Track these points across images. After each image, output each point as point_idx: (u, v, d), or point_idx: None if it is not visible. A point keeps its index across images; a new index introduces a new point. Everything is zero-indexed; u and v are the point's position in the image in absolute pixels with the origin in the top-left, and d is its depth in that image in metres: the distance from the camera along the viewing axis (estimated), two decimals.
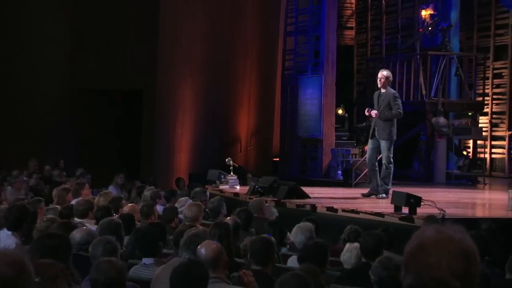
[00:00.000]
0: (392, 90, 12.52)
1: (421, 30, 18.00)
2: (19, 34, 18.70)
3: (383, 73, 12.42)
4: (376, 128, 12.21)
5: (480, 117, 17.61)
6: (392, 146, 12.31)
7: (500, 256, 6.79)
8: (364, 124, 16.73)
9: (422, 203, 9.96)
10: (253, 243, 6.05)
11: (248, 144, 20.18)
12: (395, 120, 12.23)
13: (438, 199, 10.89)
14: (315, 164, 18.34)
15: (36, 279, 3.02)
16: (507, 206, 11.04)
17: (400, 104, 12.24)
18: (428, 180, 16.50)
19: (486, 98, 17.83)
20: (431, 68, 17.12)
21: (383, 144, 12.16)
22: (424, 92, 16.99)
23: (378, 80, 12.34)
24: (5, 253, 2.79)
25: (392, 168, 12.29)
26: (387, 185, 12.21)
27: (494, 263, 6.64)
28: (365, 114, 12.67)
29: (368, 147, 12.82)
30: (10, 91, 18.54)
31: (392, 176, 12.52)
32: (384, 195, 12.08)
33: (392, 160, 12.23)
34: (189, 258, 5.22)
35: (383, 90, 12.26)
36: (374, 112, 12.12)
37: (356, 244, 6.68)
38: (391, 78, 12.57)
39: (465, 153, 17.64)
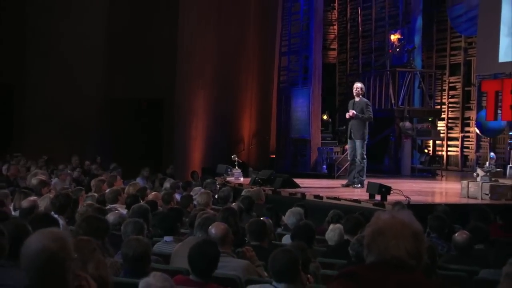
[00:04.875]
0: (365, 99, 12.47)
1: (390, 51, 17.98)
2: (65, 51, 18.76)
3: (357, 85, 12.40)
4: (351, 130, 12.21)
5: (438, 122, 17.60)
6: (365, 145, 12.29)
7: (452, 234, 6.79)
8: (344, 127, 16.72)
9: (391, 192, 9.97)
10: (250, 225, 6.05)
11: (250, 143, 20.17)
12: (367, 123, 12.20)
13: (405, 189, 10.90)
14: (304, 160, 18.34)
15: (76, 255, 3.04)
16: (460, 194, 11.08)
17: (371, 111, 12.22)
18: (396, 173, 16.50)
19: (443, 106, 17.83)
20: (398, 82, 17.11)
21: (357, 143, 12.15)
22: (393, 101, 16.99)
23: (355, 90, 12.31)
24: (51, 231, 2.80)
25: (366, 163, 12.26)
26: (362, 177, 12.20)
27: (449, 239, 6.63)
28: (345, 119, 12.64)
29: (348, 146, 12.82)
30: (57, 100, 18.58)
31: (367, 170, 12.51)
32: (359, 185, 12.07)
33: (365, 156, 12.20)
34: (204, 238, 5.22)
35: (357, 99, 12.24)
36: (351, 112, 12.10)
37: (338, 225, 6.68)
38: (364, 89, 12.56)
39: (426, 151, 17.64)
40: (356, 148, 12.16)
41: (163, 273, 3.49)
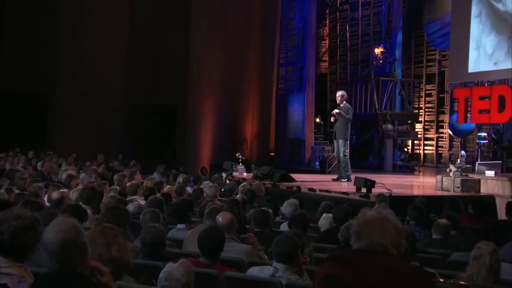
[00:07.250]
0: (347, 104, 12.38)
1: (374, 62, 17.99)
2: (92, 62, 18.78)
3: (338, 93, 12.36)
4: (335, 131, 12.17)
5: (416, 124, 17.61)
6: (348, 144, 12.26)
7: (429, 221, 6.80)
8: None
9: (375, 185, 9.98)
10: (256, 213, 6.05)
11: (252, 143, 20.17)
12: (349, 125, 12.12)
13: (387, 182, 10.90)
14: (299, 158, 18.35)
15: (100, 240, 3.04)
16: (435, 187, 11.08)
17: (351, 114, 12.13)
18: (380, 169, 16.49)
19: (420, 110, 17.84)
20: (382, 89, 17.11)
21: (341, 142, 12.11)
22: (377, 106, 16.98)
23: (337, 98, 12.26)
24: (63, 222, 2.78)
25: (348, 159, 12.21)
26: (347, 172, 12.17)
27: (425, 226, 6.64)
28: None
29: (334, 146, 12.81)
30: (84, 106, 18.59)
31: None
32: (346, 179, 12.06)
33: (347, 153, 12.16)
34: (211, 225, 5.23)
35: (341, 105, 12.20)
36: (335, 111, 12.04)
37: (329, 214, 6.68)
38: (345, 96, 12.45)
39: (405, 149, 17.64)
40: (339, 146, 12.15)
41: (189, 264, 3.38)
